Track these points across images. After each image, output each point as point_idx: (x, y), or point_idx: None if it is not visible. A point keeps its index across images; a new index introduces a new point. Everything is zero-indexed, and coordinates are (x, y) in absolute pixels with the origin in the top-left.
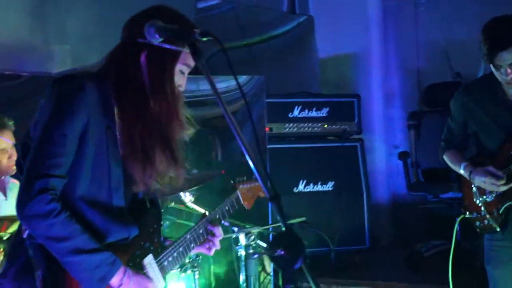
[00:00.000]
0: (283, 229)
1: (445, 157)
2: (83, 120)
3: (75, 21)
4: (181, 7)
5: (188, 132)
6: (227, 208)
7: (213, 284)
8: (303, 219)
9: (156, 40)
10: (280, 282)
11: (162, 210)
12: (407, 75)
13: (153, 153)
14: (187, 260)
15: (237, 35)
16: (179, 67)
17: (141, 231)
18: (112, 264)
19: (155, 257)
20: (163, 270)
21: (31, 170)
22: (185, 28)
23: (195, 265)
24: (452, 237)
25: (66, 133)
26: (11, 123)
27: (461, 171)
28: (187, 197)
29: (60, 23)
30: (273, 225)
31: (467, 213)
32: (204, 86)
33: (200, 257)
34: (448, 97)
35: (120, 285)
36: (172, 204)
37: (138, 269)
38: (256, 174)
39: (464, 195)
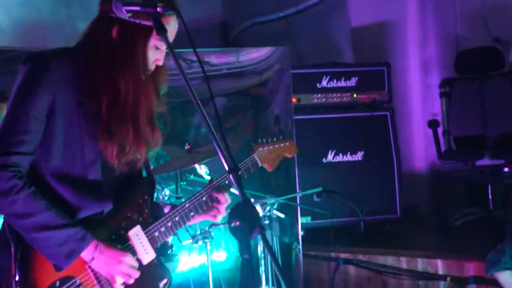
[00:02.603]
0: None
1: None
2: (47, 98)
3: None
4: None
5: (159, 110)
6: (239, 172)
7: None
8: (319, 189)
9: (124, 15)
10: (238, 253)
11: (184, 183)
12: (446, 42)
13: (117, 129)
14: (198, 232)
15: (274, 7)
16: (153, 42)
17: (128, 202)
18: (81, 240)
19: (144, 228)
20: (154, 241)
21: None
22: (149, 3)
23: (207, 236)
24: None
25: (28, 111)
26: None
27: None
28: (202, 169)
29: None
30: (288, 196)
31: None
32: (243, 57)
33: (213, 228)
34: (482, 63)
35: (92, 259)
36: (192, 177)
37: (123, 241)
38: (216, 145)
39: None
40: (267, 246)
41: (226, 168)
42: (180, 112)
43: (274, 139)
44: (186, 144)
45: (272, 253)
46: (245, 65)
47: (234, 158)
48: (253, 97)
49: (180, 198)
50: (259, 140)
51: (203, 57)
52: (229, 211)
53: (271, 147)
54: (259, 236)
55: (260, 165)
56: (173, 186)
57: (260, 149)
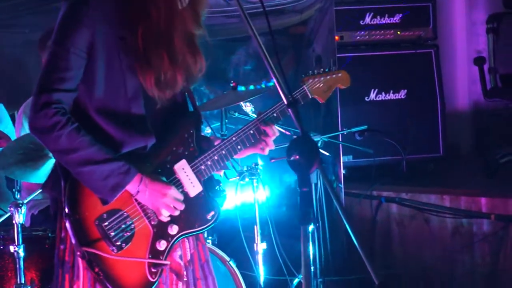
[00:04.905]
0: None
1: None
2: (87, 34)
3: None
4: None
5: (200, 32)
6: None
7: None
8: (364, 127)
9: None
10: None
11: (226, 121)
12: None
13: (153, 56)
14: (245, 168)
15: None
16: None
17: (174, 136)
18: (125, 173)
19: (190, 161)
20: (200, 174)
21: (37, 85)
22: None
23: (254, 172)
24: None
25: (68, 48)
26: None
27: None
28: (247, 107)
29: None
30: (332, 134)
31: None
32: None
33: (260, 164)
34: None
35: (137, 192)
36: (236, 114)
37: (169, 175)
38: (275, 79)
39: None
40: (326, 179)
41: (285, 101)
42: (222, 50)
43: (326, 70)
44: (231, 82)
45: (332, 186)
46: (285, 3)
47: (292, 93)
48: (293, 36)
49: (225, 135)
50: (310, 71)
51: None
52: (287, 144)
53: (322, 78)
54: (318, 169)
55: (310, 97)
56: (217, 124)
57: (311, 80)
